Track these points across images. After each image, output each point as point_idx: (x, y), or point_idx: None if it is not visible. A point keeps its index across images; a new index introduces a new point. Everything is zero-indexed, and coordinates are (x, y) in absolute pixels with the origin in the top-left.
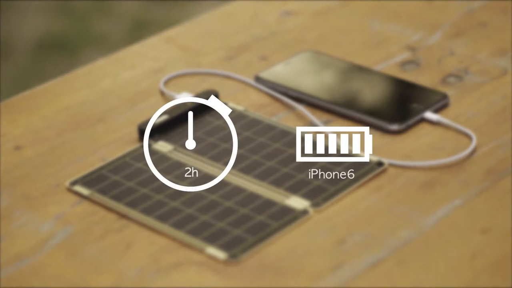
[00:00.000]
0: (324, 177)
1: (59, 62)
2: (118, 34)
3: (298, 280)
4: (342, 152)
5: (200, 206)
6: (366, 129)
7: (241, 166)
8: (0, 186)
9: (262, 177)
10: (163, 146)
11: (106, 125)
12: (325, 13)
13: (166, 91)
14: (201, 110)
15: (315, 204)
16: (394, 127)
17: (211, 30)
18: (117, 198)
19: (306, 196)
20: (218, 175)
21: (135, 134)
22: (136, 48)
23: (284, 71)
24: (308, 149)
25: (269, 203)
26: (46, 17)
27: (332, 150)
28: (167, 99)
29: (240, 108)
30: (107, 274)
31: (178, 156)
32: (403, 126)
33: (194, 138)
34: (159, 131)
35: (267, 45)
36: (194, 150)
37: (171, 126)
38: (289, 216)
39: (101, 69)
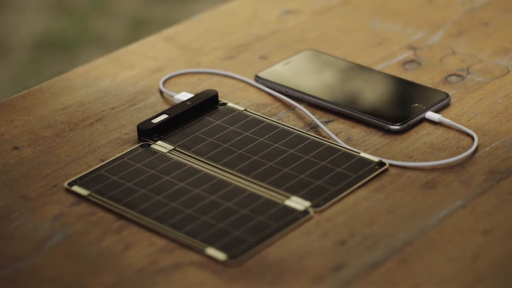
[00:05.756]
0: (324, 178)
1: (57, 61)
2: (117, 33)
3: (299, 281)
4: (342, 152)
5: (200, 206)
6: (367, 129)
7: (241, 166)
8: None
9: (262, 177)
10: (162, 146)
11: (105, 125)
12: (326, 12)
13: (165, 90)
14: (200, 110)
15: (316, 205)
16: (395, 127)
17: (210, 29)
18: (116, 198)
19: (306, 196)
20: (218, 175)
21: (134, 134)
22: (135, 48)
23: (284, 71)
24: (308, 149)
25: (269, 204)
26: (44, 16)
27: (333, 150)
28: (166, 98)
29: (240, 108)
30: (106, 275)
31: (178, 156)
32: (404, 126)
33: (194, 138)
34: (158, 131)
35: (267, 44)
36: (194, 150)
37: (170, 126)
38: (289, 217)
39: (100, 69)
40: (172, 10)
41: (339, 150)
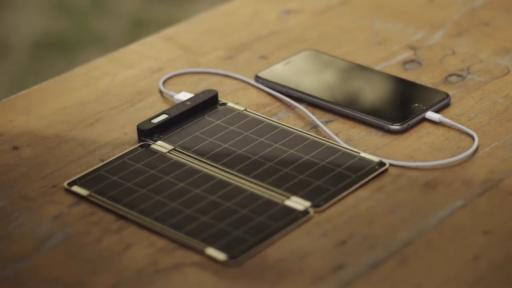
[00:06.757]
0: (324, 178)
1: (57, 61)
2: (116, 33)
3: (299, 281)
4: (342, 152)
5: (200, 206)
6: (367, 129)
7: (241, 166)
8: None
9: (262, 177)
10: (162, 146)
11: (105, 125)
12: (326, 12)
13: (165, 90)
14: (200, 110)
15: (316, 205)
16: (396, 127)
17: (210, 29)
18: (116, 198)
19: (306, 196)
20: (218, 175)
21: (134, 134)
22: (135, 47)
23: (284, 71)
24: (308, 149)
25: (269, 204)
26: (44, 16)
27: (333, 150)
28: (166, 98)
29: (240, 108)
30: (106, 276)
31: (178, 156)
32: (404, 126)
33: (194, 138)
34: (158, 131)
35: (267, 44)
36: (194, 150)
37: (170, 126)
38: (289, 217)
39: (100, 69)
40: (172, 10)
41: (339, 150)
